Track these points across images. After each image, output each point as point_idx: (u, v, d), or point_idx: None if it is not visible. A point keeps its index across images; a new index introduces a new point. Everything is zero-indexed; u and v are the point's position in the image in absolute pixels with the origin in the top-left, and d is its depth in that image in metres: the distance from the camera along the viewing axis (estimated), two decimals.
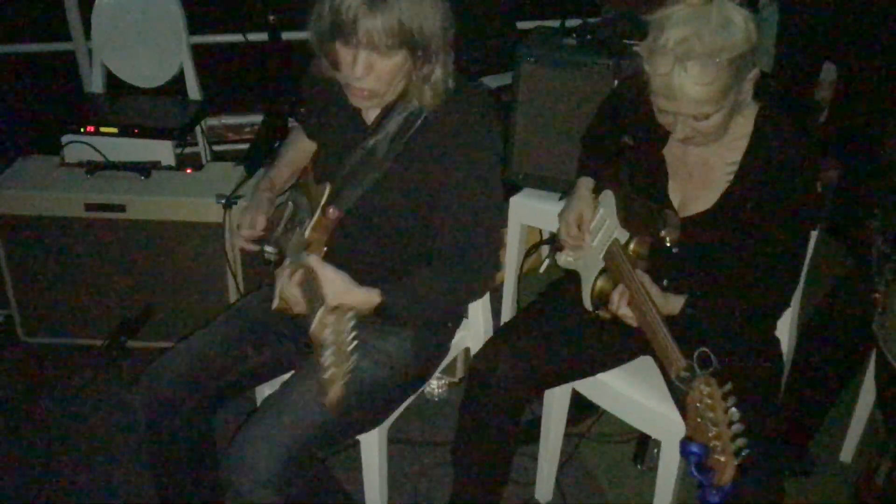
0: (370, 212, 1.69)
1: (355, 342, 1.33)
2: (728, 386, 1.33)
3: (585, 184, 1.89)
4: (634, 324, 1.61)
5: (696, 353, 1.38)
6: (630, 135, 1.81)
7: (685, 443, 1.34)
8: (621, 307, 1.61)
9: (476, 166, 1.63)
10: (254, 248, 1.82)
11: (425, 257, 1.69)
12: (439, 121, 1.62)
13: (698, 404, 1.34)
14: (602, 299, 1.74)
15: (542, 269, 2.02)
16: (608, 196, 1.83)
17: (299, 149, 1.92)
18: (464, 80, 1.69)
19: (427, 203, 1.65)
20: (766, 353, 1.81)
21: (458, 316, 1.96)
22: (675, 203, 1.73)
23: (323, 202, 1.67)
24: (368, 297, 1.58)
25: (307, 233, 1.67)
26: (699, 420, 1.34)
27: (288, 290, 1.58)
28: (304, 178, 1.85)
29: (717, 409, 1.32)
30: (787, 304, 1.76)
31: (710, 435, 1.31)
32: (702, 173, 1.70)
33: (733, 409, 1.31)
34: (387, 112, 1.66)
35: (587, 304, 1.78)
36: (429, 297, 1.65)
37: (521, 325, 1.89)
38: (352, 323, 1.34)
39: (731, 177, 1.66)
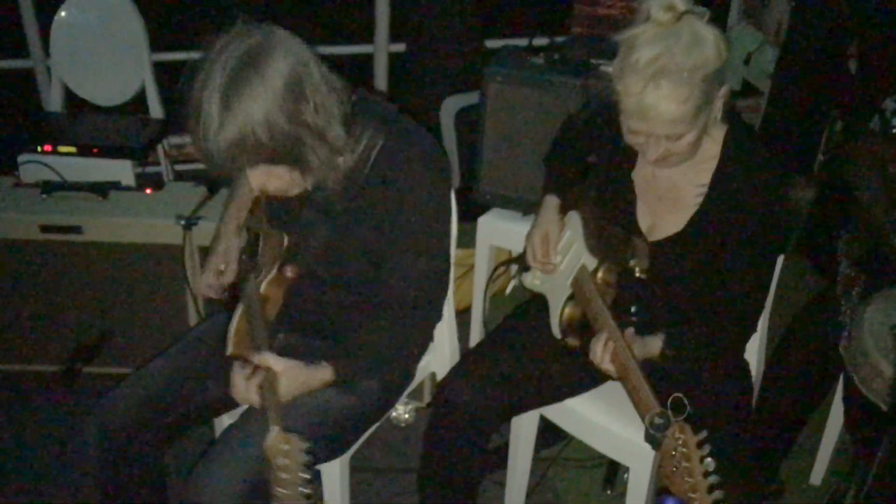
0: (325, 265, 1.67)
1: (309, 480, 1.32)
2: (703, 434, 1.30)
3: (552, 203, 1.86)
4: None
5: (669, 399, 1.35)
6: (596, 154, 1.78)
7: (662, 495, 1.31)
8: (605, 362, 1.56)
9: (418, 219, 1.60)
10: (216, 296, 1.79)
11: (377, 305, 1.67)
12: (383, 174, 1.59)
13: (673, 452, 1.31)
14: (571, 327, 1.71)
15: (508, 291, 1.98)
16: (575, 218, 1.80)
17: None
18: (410, 129, 1.65)
19: (377, 254, 1.64)
20: (735, 378, 1.79)
21: (423, 344, 1.91)
22: (644, 227, 1.71)
23: (280, 260, 1.66)
24: (323, 379, 1.60)
25: (263, 287, 1.65)
26: (675, 469, 1.31)
27: (245, 395, 1.55)
28: (258, 213, 1.80)
29: (692, 459, 1.29)
30: (753, 330, 1.75)
31: (685, 487, 1.28)
32: (671, 196, 1.68)
33: (708, 460, 1.28)
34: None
35: (555, 331, 1.75)
36: (373, 352, 1.65)
37: (488, 351, 1.85)
38: (305, 458, 1.32)
39: (701, 199, 1.64)
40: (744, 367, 1.85)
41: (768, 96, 3.35)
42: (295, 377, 1.55)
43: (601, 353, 1.56)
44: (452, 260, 1.82)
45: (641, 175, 1.72)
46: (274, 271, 1.66)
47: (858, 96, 3.02)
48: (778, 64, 3.28)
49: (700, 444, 1.30)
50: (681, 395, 1.34)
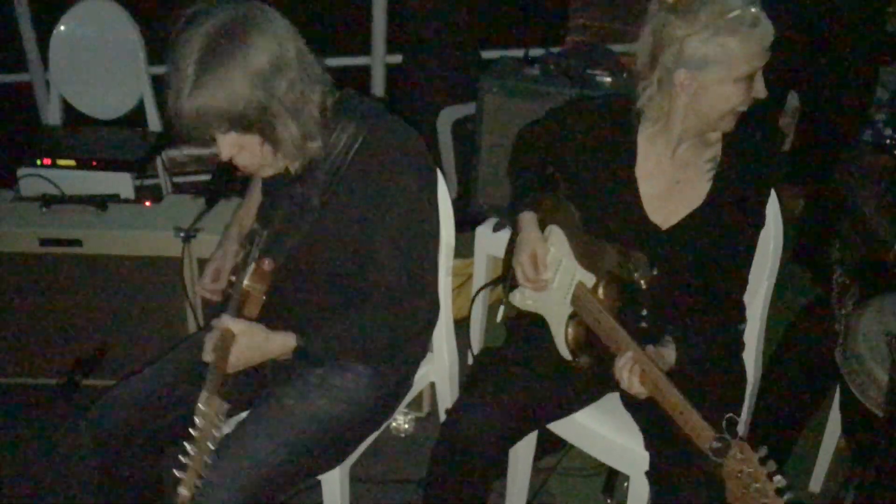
0: (306, 259, 1.68)
1: (216, 444, 1.37)
2: (763, 450, 1.29)
3: (530, 219, 1.83)
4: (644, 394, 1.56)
5: (724, 420, 1.34)
6: (569, 166, 1.79)
7: None
8: (634, 386, 1.55)
9: (399, 208, 1.62)
10: (214, 298, 1.81)
11: (361, 298, 1.68)
12: (363, 166, 1.61)
13: (739, 474, 1.29)
14: (579, 346, 1.70)
15: (499, 318, 1.94)
16: (557, 233, 1.79)
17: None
18: (392, 124, 1.66)
19: (359, 247, 1.65)
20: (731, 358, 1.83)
21: (420, 350, 1.91)
22: (658, 219, 1.72)
23: (258, 253, 1.68)
24: (284, 344, 1.60)
25: (245, 282, 1.67)
26: (745, 491, 1.29)
27: (205, 355, 1.57)
28: (259, 222, 1.82)
29: (760, 478, 1.27)
30: (743, 290, 1.78)
31: None
32: (686, 174, 1.71)
33: (778, 477, 1.26)
34: (310, 160, 1.64)
35: (564, 353, 1.73)
36: (351, 337, 1.66)
37: (492, 377, 1.76)
38: (221, 419, 1.38)
39: (714, 171, 1.69)
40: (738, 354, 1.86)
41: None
42: (251, 339, 1.56)
43: (628, 376, 1.55)
44: (444, 252, 1.81)
45: (645, 168, 1.73)
46: (252, 265, 1.67)
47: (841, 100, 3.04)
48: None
49: (763, 461, 1.27)
50: (733, 415, 1.33)
